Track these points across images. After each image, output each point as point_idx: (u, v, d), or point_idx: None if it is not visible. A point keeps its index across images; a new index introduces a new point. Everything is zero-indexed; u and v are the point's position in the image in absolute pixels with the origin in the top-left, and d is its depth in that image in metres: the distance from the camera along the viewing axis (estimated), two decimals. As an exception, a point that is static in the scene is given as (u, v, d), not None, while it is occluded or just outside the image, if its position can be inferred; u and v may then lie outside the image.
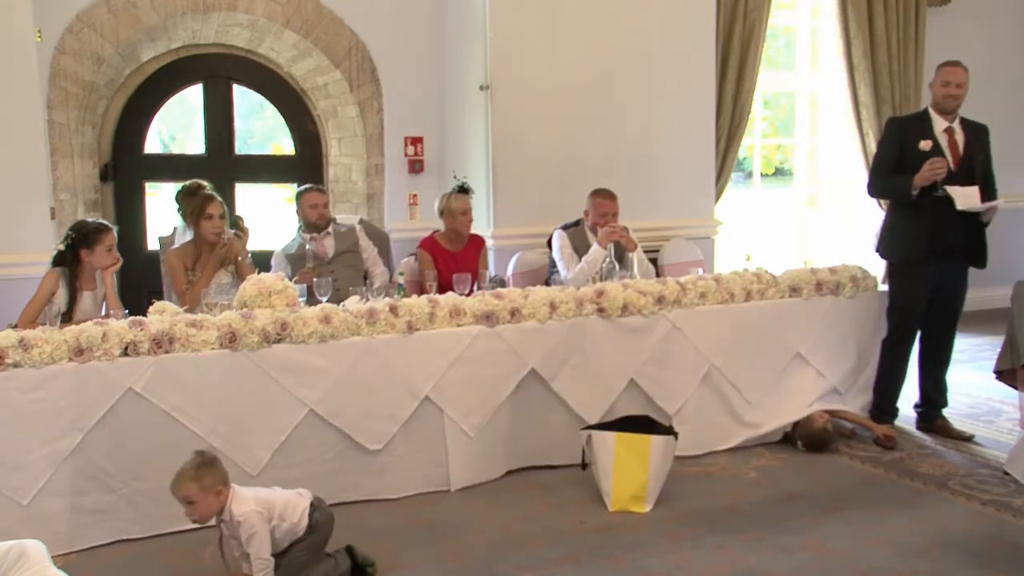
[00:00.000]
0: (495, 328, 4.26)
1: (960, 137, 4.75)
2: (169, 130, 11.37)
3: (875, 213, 6.99)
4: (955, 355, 6.30)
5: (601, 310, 4.47)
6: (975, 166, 4.72)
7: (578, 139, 6.19)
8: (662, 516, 3.95)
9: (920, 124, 4.81)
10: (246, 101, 8.22)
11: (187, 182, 5.14)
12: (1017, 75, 8.13)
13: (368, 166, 6.73)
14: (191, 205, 4.96)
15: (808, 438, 4.72)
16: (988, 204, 4.68)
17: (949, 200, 4.63)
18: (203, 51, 6.54)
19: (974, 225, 4.77)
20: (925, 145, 4.68)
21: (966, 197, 4.65)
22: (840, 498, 4.11)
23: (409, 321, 4.13)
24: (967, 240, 4.78)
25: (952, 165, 4.68)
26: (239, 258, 4.95)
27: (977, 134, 4.82)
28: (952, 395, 5.32)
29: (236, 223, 5.25)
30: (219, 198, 5.00)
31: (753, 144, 7.78)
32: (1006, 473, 4.29)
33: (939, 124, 4.76)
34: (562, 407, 4.41)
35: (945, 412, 5.03)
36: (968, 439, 4.82)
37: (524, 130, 6.09)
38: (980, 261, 4.86)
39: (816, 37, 7.66)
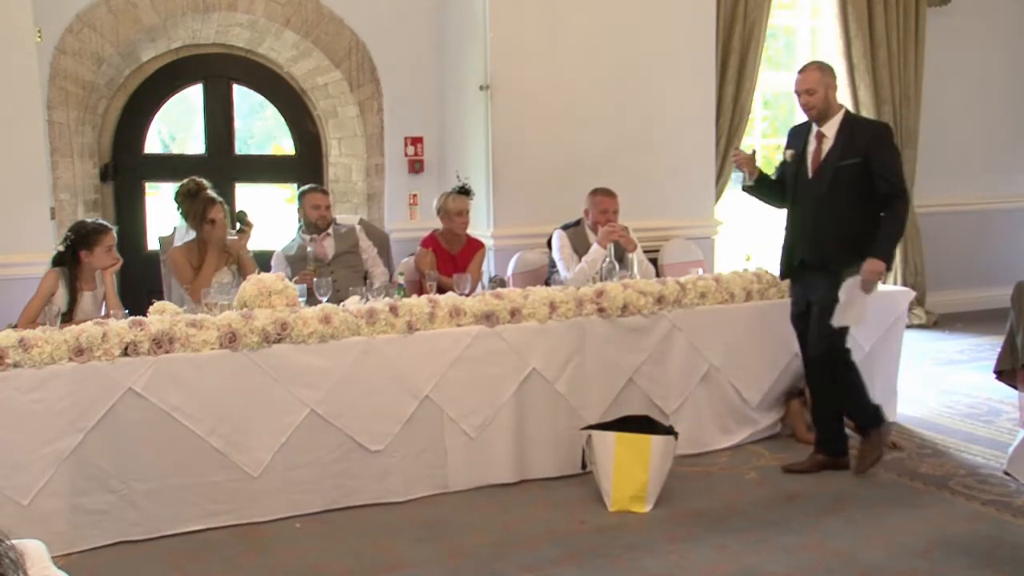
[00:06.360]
0: (495, 328, 4.26)
1: (828, 144, 4.36)
2: (169, 130, 11.36)
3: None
4: (955, 355, 6.35)
5: (601, 310, 4.47)
6: (840, 172, 4.29)
7: (578, 139, 6.18)
8: (662, 516, 3.95)
9: (803, 132, 4.56)
10: (246, 101, 8.22)
11: (186, 180, 5.12)
12: (1017, 75, 8.13)
13: (368, 166, 6.73)
14: (193, 208, 4.95)
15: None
16: (854, 306, 4.24)
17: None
18: (203, 51, 6.53)
19: (831, 238, 4.32)
20: (788, 154, 4.52)
21: (848, 312, 4.26)
22: (840, 498, 4.11)
23: (409, 321, 4.13)
24: (822, 253, 4.35)
25: (810, 172, 4.41)
26: (240, 252, 4.97)
27: (861, 136, 4.33)
28: (952, 395, 5.32)
29: (241, 218, 5.13)
30: (220, 199, 4.98)
31: (753, 144, 7.77)
32: (1007, 473, 4.28)
33: (814, 130, 4.49)
34: (564, 408, 4.40)
35: (946, 412, 5.01)
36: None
37: (524, 130, 6.08)
38: (843, 271, 4.28)
39: (816, 37, 7.66)
